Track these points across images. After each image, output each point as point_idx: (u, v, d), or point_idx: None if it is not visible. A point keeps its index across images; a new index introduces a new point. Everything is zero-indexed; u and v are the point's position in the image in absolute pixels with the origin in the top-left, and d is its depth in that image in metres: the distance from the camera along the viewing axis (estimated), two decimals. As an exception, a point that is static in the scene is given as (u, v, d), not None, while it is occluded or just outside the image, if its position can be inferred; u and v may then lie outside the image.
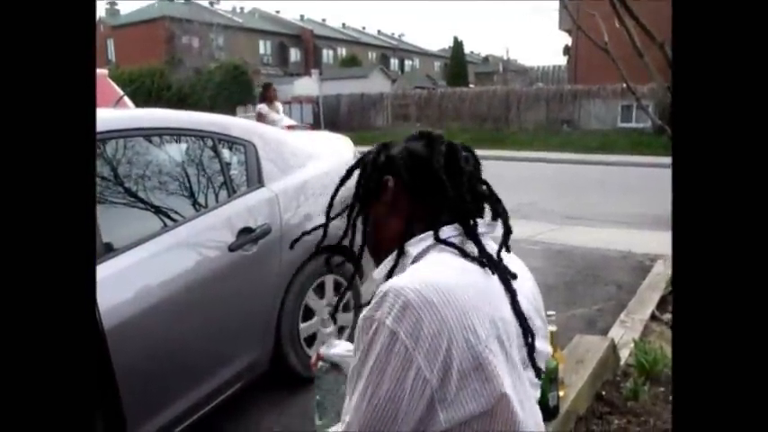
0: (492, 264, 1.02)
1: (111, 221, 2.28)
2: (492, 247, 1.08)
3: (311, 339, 3.19)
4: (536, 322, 1.07)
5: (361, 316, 0.96)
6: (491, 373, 0.92)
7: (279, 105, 8.36)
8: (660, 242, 5.88)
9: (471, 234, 1.06)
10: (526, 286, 1.10)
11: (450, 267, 0.99)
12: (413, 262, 1.06)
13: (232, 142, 2.94)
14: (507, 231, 1.12)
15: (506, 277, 1.03)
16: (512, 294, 1.01)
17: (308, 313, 3.15)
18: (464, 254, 1.02)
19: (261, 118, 7.73)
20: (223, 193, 2.80)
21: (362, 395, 0.92)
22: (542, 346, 1.09)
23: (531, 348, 1.01)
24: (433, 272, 0.98)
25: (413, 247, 1.07)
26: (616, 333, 3.58)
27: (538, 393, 1.07)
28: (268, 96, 8.24)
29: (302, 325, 3.10)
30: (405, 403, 0.89)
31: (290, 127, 19.97)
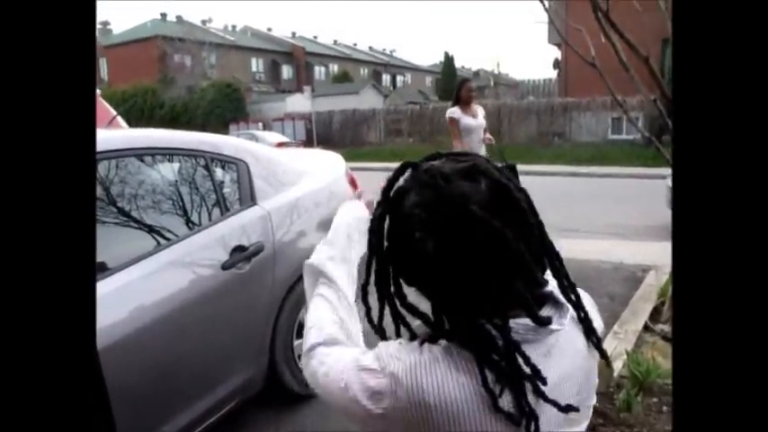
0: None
1: (105, 241, 2.28)
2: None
3: (305, 356, 3.19)
4: (575, 417, 0.93)
5: (380, 348, 0.92)
6: None
7: (477, 108, 6.31)
8: (652, 253, 5.92)
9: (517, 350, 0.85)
10: (576, 410, 0.91)
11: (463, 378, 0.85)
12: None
13: (224, 161, 2.96)
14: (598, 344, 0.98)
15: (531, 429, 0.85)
16: None
17: (302, 330, 3.14)
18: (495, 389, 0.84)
19: (452, 124, 6.18)
20: (216, 212, 2.82)
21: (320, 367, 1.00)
22: (584, 425, 0.97)
23: None
24: (456, 386, 0.85)
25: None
26: (609, 345, 3.59)
27: None
28: (461, 96, 6.22)
29: (296, 342, 3.11)
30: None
31: (281, 144, 19.92)
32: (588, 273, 5.36)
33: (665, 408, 2.79)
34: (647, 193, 9.56)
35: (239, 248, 2.74)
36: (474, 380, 0.84)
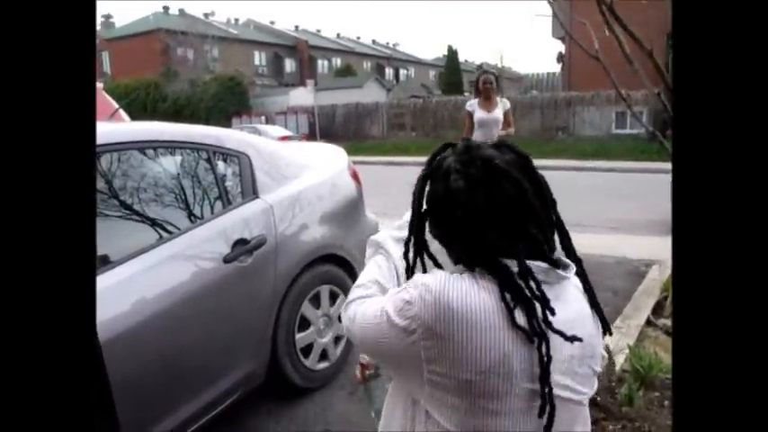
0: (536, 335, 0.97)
1: (108, 234, 2.29)
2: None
3: (307, 349, 3.19)
4: (579, 370, 1.04)
5: (421, 278, 1.03)
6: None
7: (498, 102, 6.02)
8: (655, 247, 5.91)
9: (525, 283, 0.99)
10: (579, 341, 1.02)
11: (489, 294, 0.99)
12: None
13: (226, 154, 2.96)
14: (588, 289, 1.12)
15: (542, 349, 0.97)
16: (542, 367, 0.97)
17: (304, 323, 3.16)
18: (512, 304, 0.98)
19: (466, 116, 6.05)
20: (218, 205, 2.81)
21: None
22: (587, 389, 1.08)
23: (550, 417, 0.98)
24: (478, 299, 0.98)
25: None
26: (612, 339, 3.58)
27: None
28: (480, 88, 5.99)
29: (298, 335, 3.11)
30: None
31: (284, 138, 19.88)
32: (591, 267, 5.27)
33: (666, 402, 2.79)
34: (651, 188, 9.53)
35: (241, 241, 2.74)
36: (493, 297, 0.97)
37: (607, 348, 3.08)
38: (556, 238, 1.10)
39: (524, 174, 1.04)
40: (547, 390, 0.96)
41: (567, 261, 1.09)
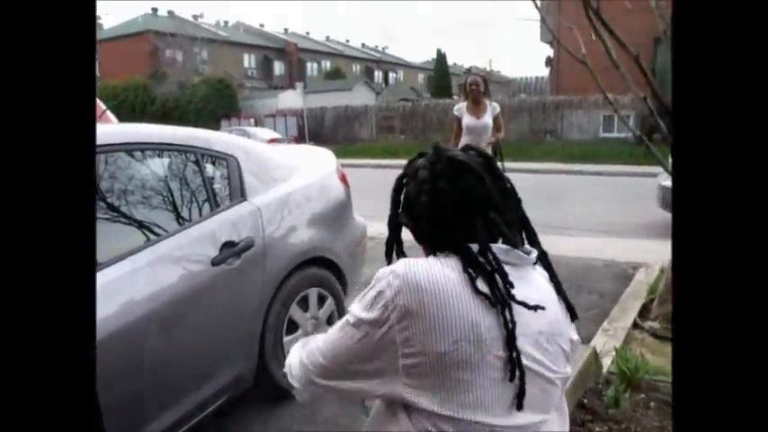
0: (499, 302, 1.05)
1: (96, 236, 2.27)
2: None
3: (296, 352, 3.18)
4: (549, 347, 1.11)
5: (384, 269, 1.11)
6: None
7: (488, 107, 5.90)
8: (642, 250, 5.95)
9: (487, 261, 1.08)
10: (542, 309, 1.10)
11: (453, 274, 1.07)
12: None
13: (215, 156, 2.95)
14: (549, 270, 1.21)
15: (506, 314, 1.04)
16: (508, 331, 1.04)
17: (292, 326, 3.15)
18: (475, 278, 1.06)
19: (456, 123, 5.88)
20: (206, 207, 2.81)
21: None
22: (559, 368, 1.14)
23: (521, 384, 1.05)
24: (442, 274, 1.06)
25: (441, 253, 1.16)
26: (599, 341, 3.61)
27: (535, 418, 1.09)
28: (467, 90, 5.90)
29: (286, 338, 3.10)
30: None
31: (273, 140, 19.81)
32: (579, 270, 5.39)
33: (652, 404, 2.81)
34: (638, 191, 9.61)
35: (229, 244, 2.73)
36: (457, 273, 1.06)
37: (594, 350, 3.09)
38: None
39: (486, 170, 1.16)
40: (515, 354, 1.03)
41: (530, 248, 1.18)
